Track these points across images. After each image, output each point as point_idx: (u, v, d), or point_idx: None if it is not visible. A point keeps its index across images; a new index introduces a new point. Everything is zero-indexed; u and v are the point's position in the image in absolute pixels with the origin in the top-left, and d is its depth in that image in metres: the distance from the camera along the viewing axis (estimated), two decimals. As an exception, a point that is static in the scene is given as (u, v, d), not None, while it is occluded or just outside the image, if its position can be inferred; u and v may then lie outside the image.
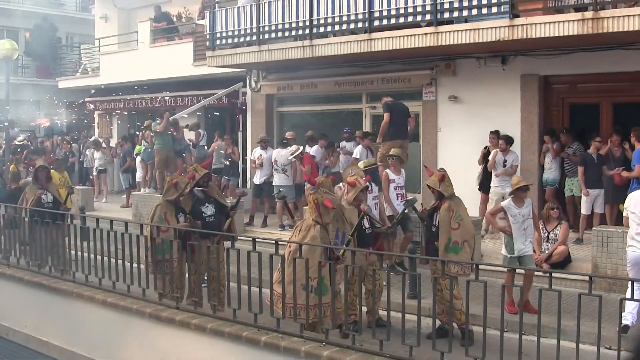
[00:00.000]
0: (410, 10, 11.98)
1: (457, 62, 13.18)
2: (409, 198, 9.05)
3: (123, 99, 20.57)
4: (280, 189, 12.90)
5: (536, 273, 8.43)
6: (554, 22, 10.30)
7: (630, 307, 7.36)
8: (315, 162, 13.46)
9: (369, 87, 14.63)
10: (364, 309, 7.40)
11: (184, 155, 16.46)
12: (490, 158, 11.80)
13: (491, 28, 10.89)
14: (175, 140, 16.24)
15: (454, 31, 11.36)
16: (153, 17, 19.72)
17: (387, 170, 10.45)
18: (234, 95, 17.39)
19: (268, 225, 13.71)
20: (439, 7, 11.53)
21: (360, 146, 13.01)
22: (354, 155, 12.90)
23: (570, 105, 12.51)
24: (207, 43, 15.68)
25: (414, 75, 13.72)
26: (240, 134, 17.72)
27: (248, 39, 14.65)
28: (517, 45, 11.48)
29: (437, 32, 11.47)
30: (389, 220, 9.29)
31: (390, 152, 10.59)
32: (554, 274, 5.63)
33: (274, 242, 6.63)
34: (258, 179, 14.06)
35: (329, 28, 13.24)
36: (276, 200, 13.16)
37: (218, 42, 15.29)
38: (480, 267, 5.84)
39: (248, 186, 16.08)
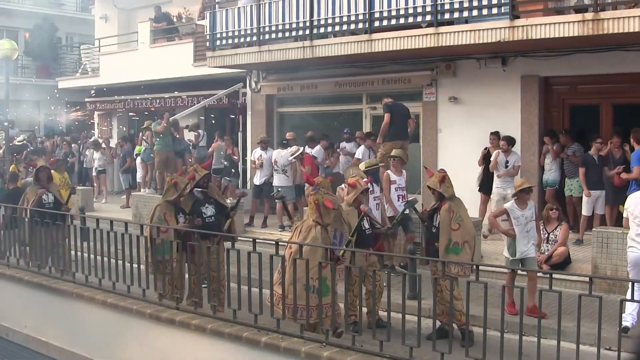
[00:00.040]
0: (410, 11, 11.98)
1: (457, 63, 13.18)
2: (409, 199, 9.04)
3: (123, 99, 20.57)
4: (279, 189, 12.88)
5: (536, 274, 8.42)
6: (555, 23, 10.30)
7: (630, 308, 7.37)
8: (317, 163, 13.45)
9: (369, 88, 14.63)
10: (364, 309, 7.41)
11: (184, 155, 16.46)
12: (492, 159, 11.79)
13: (491, 29, 10.89)
14: (175, 140, 16.24)
15: (455, 32, 11.36)
16: (153, 18, 19.71)
17: (388, 171, 10.43)
18: (234, 95, 17.39)
19: (268, 226, 13.70)
20: (439, 8, 11.53)
21: (362, 147, 12.96)
22: (356, 156, 12.87)
23: (571, 107, 12.52)
24: (207, 43, 15.69)
25: (414, 76, 13.72)
26: (240, 134, 17.72)
27: (248, 39, 14.65)
28: (517, 46, 11.49)
29: (438, 33, 11.47)
30: (389, 221, 9.29)
31: (392, 153, 10.57)
32: (554, 275, 5.63)
33: (274, 242, 6.61)
34: (258, 179, 14.04)
35: (329, 29, 13.24)
36: (275, 200, 13.15)
37: (218, 42, 15.28)
38: (481, 268, 5.83)
39: (248, 187, 16.07)
